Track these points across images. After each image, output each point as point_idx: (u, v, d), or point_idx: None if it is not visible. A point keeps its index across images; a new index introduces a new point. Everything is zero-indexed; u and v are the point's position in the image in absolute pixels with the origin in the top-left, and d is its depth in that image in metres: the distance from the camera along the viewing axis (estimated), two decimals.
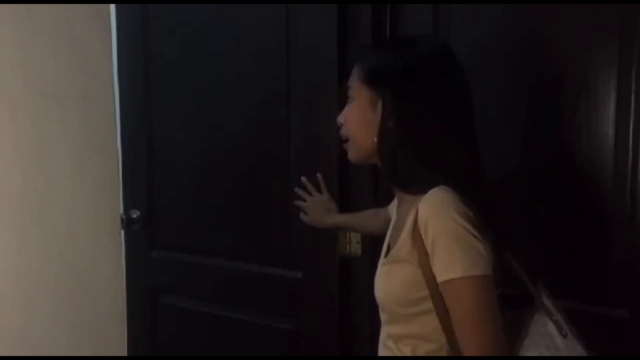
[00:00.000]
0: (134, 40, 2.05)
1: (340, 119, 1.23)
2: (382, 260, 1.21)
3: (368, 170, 1.65)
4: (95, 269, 1.29)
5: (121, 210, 2.08)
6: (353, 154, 1.22)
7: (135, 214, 2.10)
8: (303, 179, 1.72)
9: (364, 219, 1.61)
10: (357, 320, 1.74)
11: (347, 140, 1.23)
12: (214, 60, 1.91)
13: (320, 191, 1.71)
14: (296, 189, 1.74)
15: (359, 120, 1.17)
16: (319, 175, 1.71)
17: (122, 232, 2.09)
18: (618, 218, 1.35)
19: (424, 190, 1.07)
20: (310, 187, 1.72)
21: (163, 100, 2.04)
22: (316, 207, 1.70)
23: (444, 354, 1.10)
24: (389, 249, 1.19)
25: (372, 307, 1.57)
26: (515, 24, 1.46)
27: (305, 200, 1.72)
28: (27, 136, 1.15)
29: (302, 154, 1.77)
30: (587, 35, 1.37)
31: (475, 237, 1.01)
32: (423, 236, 1.04)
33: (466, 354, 1.03)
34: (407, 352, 1.13)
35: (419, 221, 1.05)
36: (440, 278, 1.03)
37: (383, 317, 1.21)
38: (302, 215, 1.73)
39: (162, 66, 2.03)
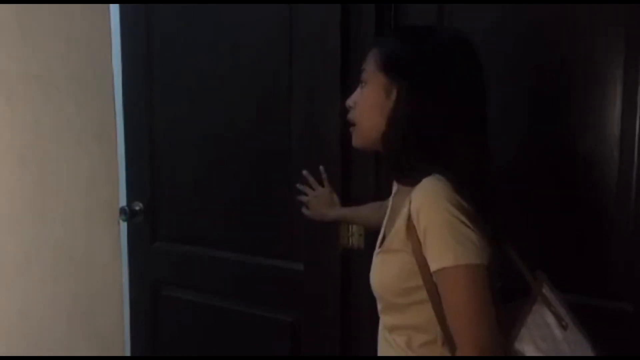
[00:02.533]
0: (137, 32, 2.04)
1: (350, 102, 1.20)
2: (377, 249, 1.20)
3: (370, 164, 1.64)
4: (91, 257, 1.28)
5: (123, 202, 2.08)
6: (358, 140, 1.20)
7: (138, 206, 2.09)
8: (305, 172, 1.71)
9: (368, 212, 1.59)
10: (359, 312, 1.73)
11: (353, 125, 1.21)
12: (217, 55, 1.90)
13: (322, 184, 1.69)
14: (298, 185, 1.72)
15: (371, 106, 1.14)
16: (321, 167, 1.70)
17: (125, 224, 2.09)
18: (622, 211, 1.34)
19: (419, 181, 1.05)
20: (312, 180, 1.70)
21: (166, 93, 2.03)
22: (318, 201, 1.68)
23: (438, 344, 1.09)
24: (383, 238, 1.18)
25: (374, 300, 1.56)
26: (520, 24, 1.45)
27: (307, 195, 1.71)
28: (23, 122, 1.15)
29: (304, 147, 1.76)
30: (592, 31, 1.36)
31: (468, 226, 1.00)
32: (416, 225, 1.03)
33: (457, 343, 1.02)
34: (402, 343, 1.12)
35: (412, 211, 1.04)
36: (433, 267, 1.02)
37: (379, 306, 1.20)
38: (304, 210, 1.72)
39: (165, 60, 2.02)
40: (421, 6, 1.56)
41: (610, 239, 1.36)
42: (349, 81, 1.65)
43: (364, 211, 1.61)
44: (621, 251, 1.35)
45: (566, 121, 1.40)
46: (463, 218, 1.00)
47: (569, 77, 1.39)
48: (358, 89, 1.19)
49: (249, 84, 1.85)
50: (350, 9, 1.65)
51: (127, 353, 2.14)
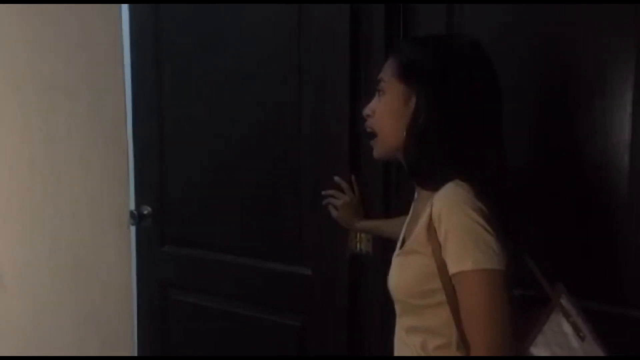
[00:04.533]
0: (147, 36, 2.06)
1: (367, 111, 1.22)
2: (396, 252, 1.21)
3: (379, 167, 1.64)
4: (101, 260, 1.29)
5: (132, 206, 2.09)
6: (379, 150, 1.22)
7: (146, 210, 2.10)
8: (337, 178, 1.69)
9: (393, 225, 1.56)
10: (366, 317, 1.73)
11: (373, 137, 1.22)
12: (226, 59, 1.91)
13: (353, 191, 1.68)
14: (324, 192, 1.71)
15: (390, 114, 1.16)
16: (353, 177, 1.69)
17: (134, 227, 2.10)
18: (633, 216, 1.33)
19: (441, 185, 1.08)
20: (344, 185, 1.68)
21: (175, 96, 2.04)
22: (347, 208, 1.67)
23: (452, 348, 1.10)
24: (404, 242, 1.20)
25: (382, 305, 1.56)
26: (529, 24, 1.44)
27: (335, 197, 1.69)
28: (35, 128, 1.15)
29: (313, 150, 1.76)
30: (603, 34, 1.35)
31: (488, 232, 1.02)
32: (437, 229, 1.06)
33: (472, 346, 1.03)
34: (417, 344, 1.14)
35: (433, 215, 1.06)
36: (452, 270, 1.04)
37: (396, 308, 1.21)
38: (332, 211, 1.69)
39: (175, 63, 2.03)
40: (430, 6, 1.56)
41: (620, 244, 1.35)
42: (358, 81, 1.66)
43: (389, 225, 1.59)
44: (631, 257, 1.34)
45: (575, 125, 1.39)
46: (483, 223, 1.02)
47: (579, 80, 1.38)
48: (375, 98, 1.20)
49: (258, 86, 1.85)
50: (360, 9, 1.65)
51: (135, 354, 2.14)
